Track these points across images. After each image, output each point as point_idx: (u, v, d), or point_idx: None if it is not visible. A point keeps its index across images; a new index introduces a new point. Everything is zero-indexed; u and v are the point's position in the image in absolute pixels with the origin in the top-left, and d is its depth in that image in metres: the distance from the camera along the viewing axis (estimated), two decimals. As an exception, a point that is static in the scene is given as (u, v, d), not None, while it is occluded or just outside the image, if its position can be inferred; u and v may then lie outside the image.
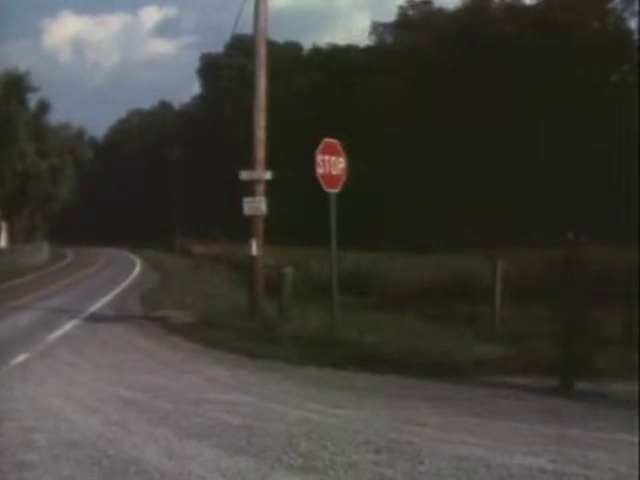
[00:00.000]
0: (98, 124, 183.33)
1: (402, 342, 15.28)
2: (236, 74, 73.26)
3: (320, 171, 16.82)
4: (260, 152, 20.11)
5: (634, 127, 38.50)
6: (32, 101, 66.60)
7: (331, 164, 17.07)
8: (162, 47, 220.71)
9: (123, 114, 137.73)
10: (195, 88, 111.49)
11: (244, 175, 20.06)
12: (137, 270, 50.88)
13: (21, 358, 15.37)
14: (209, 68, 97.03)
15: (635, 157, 37.23)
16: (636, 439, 8.43)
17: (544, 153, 47.02)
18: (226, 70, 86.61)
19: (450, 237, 40.04)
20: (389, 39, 73.70)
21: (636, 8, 51.96)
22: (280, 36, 72.63)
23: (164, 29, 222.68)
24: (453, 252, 31.66)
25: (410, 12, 72.23)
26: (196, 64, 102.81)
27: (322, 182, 16.90)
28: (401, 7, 72.75)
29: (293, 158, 38.84)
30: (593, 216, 37.36)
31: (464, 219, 46.25)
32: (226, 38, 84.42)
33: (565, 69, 49.41)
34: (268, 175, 20.14)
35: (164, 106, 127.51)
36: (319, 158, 16.80)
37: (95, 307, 25.94)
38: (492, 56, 52.36)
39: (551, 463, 7.69)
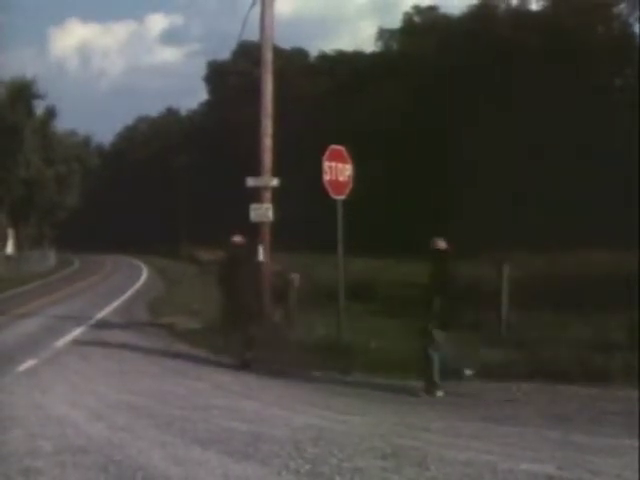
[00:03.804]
0: (105, 131, 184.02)
1: (407, 347, 15.28)
2: (243, 81, 73.27)
3: (327, 178, 16.79)
4: (267, 158, 20.09)
5: (635, 130, 38.53)
6: (39, 108, 66.78)
7: (338, 171, 17.03)
8: (168, 54, 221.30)
9: (130, 121, 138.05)
10: (202, 95, 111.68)
11: (251, 182, 20.03)
12: (143, 277, 50.92)
13: (28, 365, 15.39)
14: (216, 75, 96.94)
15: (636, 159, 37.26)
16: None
17: (549, 156, 46.97)
18: (233, 77, 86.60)
19: (455, 242, 39.97)
20: (395, 45, 73.65)
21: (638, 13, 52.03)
22: (286, 43, 72.79)
23: (170, 36, 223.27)
24: (459, 257, 31.61)
25: (416, 18, 72.24)
26: (202, 71, 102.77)
27: (329, 189, 16.87)
28: (407, 13, 72.89)
29: (300, 164, 38.81)
30: (596, 220, 37.38)
31: (471, 224, 46.21)
32: (232, 45, 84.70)
33: (570, 73, 49.38)
34: (275, 182, 20.11)
35: (171, 113, 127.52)
36: (326, 165, 16.76)
37: (102, 314, 25.94)
38: (498, 61, 52.37)
39: (557, 469, 7.68)
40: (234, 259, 16.00)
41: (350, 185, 17.31)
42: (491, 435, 9.39)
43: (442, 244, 13.01)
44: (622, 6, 54.95)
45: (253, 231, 18.40)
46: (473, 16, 60.92)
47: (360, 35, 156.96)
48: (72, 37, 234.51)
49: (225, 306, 16.24)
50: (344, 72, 72.19)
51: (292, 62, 75.00)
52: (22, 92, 60.17)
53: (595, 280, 20.53)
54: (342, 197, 17.03)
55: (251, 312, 15.78)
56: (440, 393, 12.31)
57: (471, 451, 8.48)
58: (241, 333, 15.68)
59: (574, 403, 11.29)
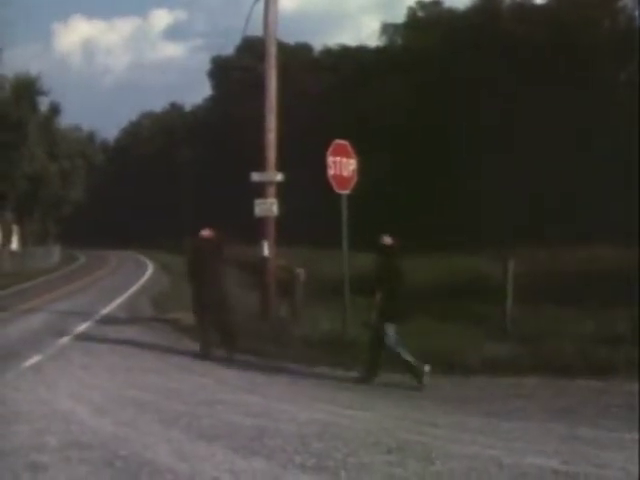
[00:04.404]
0: (109, 127, 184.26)
1: (413, 342, 15.27)
2: (247, 76, 73.23)
3: (331, 172, 16.80)
4: (271, 154, 20.07)
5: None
6: (43, 105, 66.83)
7: (342, 165, 17.04)
8: (172, 50, 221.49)
9: (134, 117, 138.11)
10: (206, 90, 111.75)
11: (255, 177, 20.02)
12: (148, 272, 50.93)
13: (33, 360, 15.40)
14: (220, 70, 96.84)
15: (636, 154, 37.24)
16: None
17: (553, 151, 46.91)
18: (237, 72, 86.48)
19: (461, 237, 40.00)
20: (399, 40, 73.49)
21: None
22: (290, 38, 72.76)
23: (174, 32, 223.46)
24: (464, 252, 31.62)
25: (420, 13, 72.10)
26: (206, 67, 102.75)
27: (333, 183, 16.88)
28: (410, 8, 72.70)
29: (304, 159, 38.77)
30: (599, 216, 37.37)
31: (475, 219, 46.22)
32: (236, 40, 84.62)
33: (575, 67, 49.32)
34: (279, 177, 20.09)
35: (175, 108, 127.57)
36: (330, 159, 16.76)
37: (107, 310, 25.95)
38: (502, 55, 52.32)
39: (562, 463, 7.69)
40: (200, 252, 16.65)
41: (354, 180, 17.33)
42: (496, 429, 9.40)
43: (388, 240, 13.73)
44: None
45: (232, 225, 18.74)
46: (477, 10, 60.82)
47: (364, 30, 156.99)
48: (76, 33, 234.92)
49: (195, 299, 16.72)
50: (348, 67, 72.11)
51: (296, 57, 74.94)
52: (26, 89, 60.18)
53: (598, 275, 20.54)
54: (346, 192, 17.05)
55: (220, 304, 16.28)
56: (427, 379, 12.53)
57: (476, 445, 8.50)
58: (213, 326, 16.40)
59: (578, 397, 11.29)
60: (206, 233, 16.87)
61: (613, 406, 10.45)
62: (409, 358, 12.71)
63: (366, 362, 13.31)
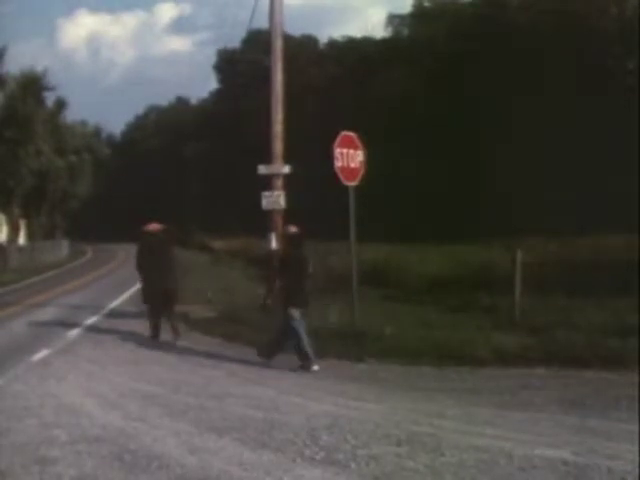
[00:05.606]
0: (115, 122, 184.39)
1: (422, 333, 15.26)
2: (253, 69, 73.20)
3: (338, 164, 16.75)
4: (278, 146, 20.05)
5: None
6: (49, 100, 66.91)
7: (349, 157, 17.00)
8: (178, 43, 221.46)
9: (140, 111, 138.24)
10: (212, 84, 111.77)
11: (262, 169, 20.00)
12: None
13: (42, 354, 15.42)
14: (226, 63, 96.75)
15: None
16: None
17: (563, 140, 46.74)
18: (243, 65, 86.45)
19: (468, 227, 39.93)
20: (405, 31, 73.23)
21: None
22: (296, 30, 72.64)
23: (180, 25, 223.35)
24: (471, 243, 31.55)
25: (426, 3, 71.84)
26: (212, 60, 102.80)
27: (340, 175, 16.84)
28: (417, -1, 72.33)
29: (311, 151, 38.71)
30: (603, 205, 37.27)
31: (482, 209, 46.11)
32: (242, 33, 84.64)
33: (582, 56, 49.10)
34: (286, 169, 20.07)
35: (181, 102, 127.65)
36: (337, 151, 16.71)
37: (115, 303, 25.98)
38: (508, 45, 52.09)
39: (573, 455, 7.66)
40: (148, 245, 17.73)
41: (362, 171, 17.28)
42: (506, 421, 9.38)
43: (293, 229, 14.33)
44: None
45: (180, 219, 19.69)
46: (483, -1, 60.63)
47: (370, 22, 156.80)
48: (81, 28, 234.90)
49: (144, 287, 18.14)
50: (354, 58, 71.93)
51: (302, 49, 74.82)
52: (32, 85, 60.21)
53: (609, 265, 20.45)
54: (354, 183, 17.01)
55: (165, 293, 17.41)
56: (316, 367, 13.39)
57: (486, 437, 8.47)
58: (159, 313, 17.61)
59: (588, 388, 11.26)
60: (152, 227, 17.98)
61: (623, 398, 10.41)
62: (308, 350, 13.45)
63: (269, 342, 14.23)
